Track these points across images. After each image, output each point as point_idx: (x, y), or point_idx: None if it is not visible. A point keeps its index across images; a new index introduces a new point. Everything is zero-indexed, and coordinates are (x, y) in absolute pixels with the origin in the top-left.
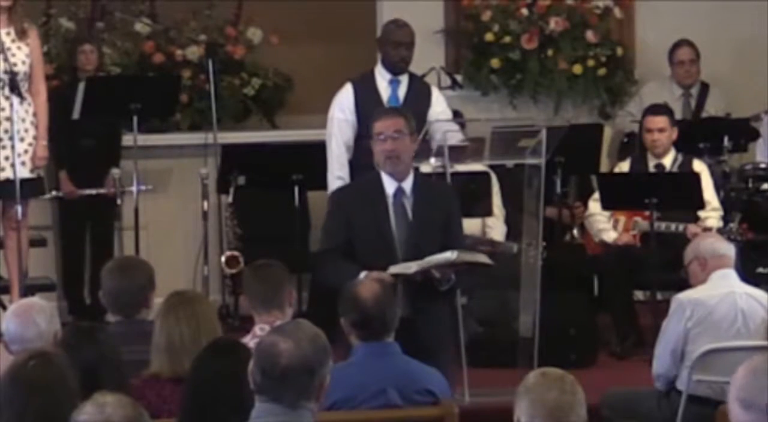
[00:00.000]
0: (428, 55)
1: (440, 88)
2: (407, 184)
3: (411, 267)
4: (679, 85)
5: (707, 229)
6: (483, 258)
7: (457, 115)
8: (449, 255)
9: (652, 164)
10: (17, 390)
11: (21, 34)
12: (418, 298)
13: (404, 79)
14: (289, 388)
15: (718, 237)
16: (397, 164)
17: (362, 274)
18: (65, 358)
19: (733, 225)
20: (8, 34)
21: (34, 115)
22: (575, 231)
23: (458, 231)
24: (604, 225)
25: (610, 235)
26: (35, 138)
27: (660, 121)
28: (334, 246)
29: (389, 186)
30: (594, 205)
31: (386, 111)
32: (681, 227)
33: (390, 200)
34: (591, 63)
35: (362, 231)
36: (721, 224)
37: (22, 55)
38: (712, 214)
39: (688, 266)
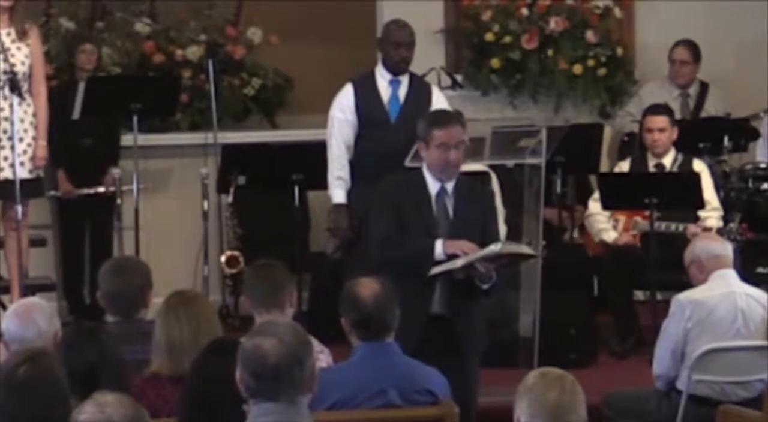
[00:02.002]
0: (428, 55)
1: (440, 88)
2: (449, 184)
3: (457, 261)
4: (675, 84)
5: (707, 229)
6: (526, 249)
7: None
8: (494, 247)
9: (652, 164)
10: (7, 394)
11: (21, 35)
12: (456, 297)
13: (405, 79)
14: (284, 384)
15: (714, 237)
16: (454, 173)
17: (438, 243)
18: (55, 358)
19: (733, 225)
20: (8, 34)
21: (34, 115)
22: (574, 233)
23: (495, 230)
24: (604, 225)
25: (610, 235)
26: (34, 138)
27: (660, 120)
28: (391, 232)
29: (433, 185)
30: (594, 205)
31: (446, 118)
32: (681, 227)
33: (433, 199)
34: (591, 63)
35: (409, 228)
36: (721, 224)
37: (22, 55)
38: (712, 214)
39: (688, 269)
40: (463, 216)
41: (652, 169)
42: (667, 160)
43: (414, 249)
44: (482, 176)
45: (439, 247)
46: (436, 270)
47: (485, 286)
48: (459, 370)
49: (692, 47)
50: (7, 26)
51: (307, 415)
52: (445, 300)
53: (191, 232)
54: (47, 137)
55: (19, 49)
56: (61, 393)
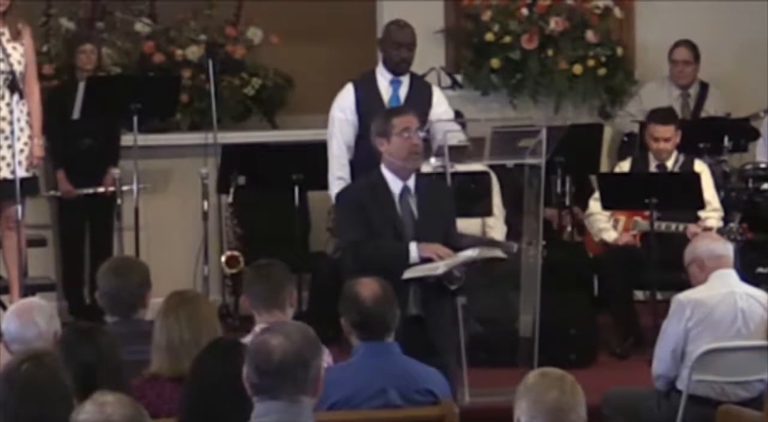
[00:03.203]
0: (428, 55)
1: (440, 88)
2: (411, 183)
3: (438, 267)
4: (676, 84)
5: (707, 229)
6: (499, 253)
7: (457, 115)
8: (471, 253)
9: (653, 164)
10: (10, 392)
11: (16, 35)
12: (428, 297)
13: (405, 80)
14: (286, 382)
15: (715, 237)
16: (418, 160)
17: (413, 246)
18: (59, 359)
19: (733, 225)
20: (2, 34)
21: (29, 114)
22: (569, 229)
23: (455, 228)
24: (605, 224)
25: (610, 235)
26: (30, 137)
27: (667, 130)
28: (362, 236)
29: (395, 185)
30: (594, 205)
31: (400, 108)
32: (681, 227)
33: (396, 199)
34: (591, 63)
35: (376, 229)
36: (721, 224)
37: (18, 55)
38: (712, 215)
39: (688, 268)
40: (427, 215)
41: (653, 169)
42: (669, 161)
43: (389, 252)
44: (482, 176)
45: (414, 251)
46: (412, 274)
47: (453, 287)
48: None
49: (693, 47)
50: (1, 26)
51: (310, 417)
52: (419, 301)
53: (191, 232)
54: (47, 137)
55: (14, 48)
56: (63, 392)
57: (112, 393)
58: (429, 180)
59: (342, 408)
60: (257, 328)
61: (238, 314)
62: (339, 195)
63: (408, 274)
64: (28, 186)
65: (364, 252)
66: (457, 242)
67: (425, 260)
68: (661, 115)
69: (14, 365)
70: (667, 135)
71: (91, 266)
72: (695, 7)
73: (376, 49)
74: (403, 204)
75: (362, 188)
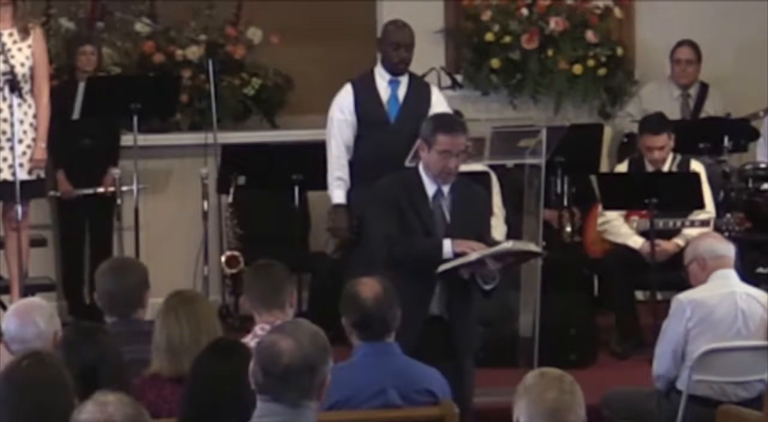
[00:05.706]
0: (428, 55)
1: (440, 88)
2: (446, 186)
3: (471, 255)
4: (677, 84)
5: (704, 223)
6: (534, 247)
7: (457, 115)
8: (506, 244)
9: (650, 166)
10: (11, 390)
11: (24, 34)
12: (454, 298)
13: (404, 80)
14: (290, 387)
15: (718, 237)
16: (450, 180)
17: (447, 242)
18: (60, 358)
19: (730, 217)
20: (11, 34)
21: (34, 116)
22: (568, 229)
23: (488, 233)
24: (627, 229)
25: (636, 242)
26: (34, 140)
27: (661, 140)
28: (395, 230)
29: (429, 187)
30: (608, 211)
31: (453, 125)
32: (678, 223)
33: (430, 200)
34: (591, 63)
35: (408, 227)
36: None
37: (23, 56)
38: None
39: (688, 267)
40: (459, 219)
41: (650, 169)
42: (665, 165)
43: (423, 247)
44: (482, 176)
45: (447, 246)
46: (447, 266)
47: (488, 287)
48: (455, 371)
49: (696, 47)
50: (9, 26)
51: (312, 421)
52: (443, 302)
53: (191, 232)
54: (47, 137)
55: (20, 50)
56: (64, 391)
57: (114, 393)
58: (464, 181)
59: (342, 408)
60: (257, 328)
61: (238, 314)
62: (373, 188)
63: (444, 267)
64: (34, 188)
65: (398, 246)
66: (489, 244)
67: (459, 256)
68: (653, 125)
69: (15, 364)
70: (660, 144)
71: (91, 266)
72: (695, 7)
73: (375, 49)
74: (435, 206)
75: (397, 185)
